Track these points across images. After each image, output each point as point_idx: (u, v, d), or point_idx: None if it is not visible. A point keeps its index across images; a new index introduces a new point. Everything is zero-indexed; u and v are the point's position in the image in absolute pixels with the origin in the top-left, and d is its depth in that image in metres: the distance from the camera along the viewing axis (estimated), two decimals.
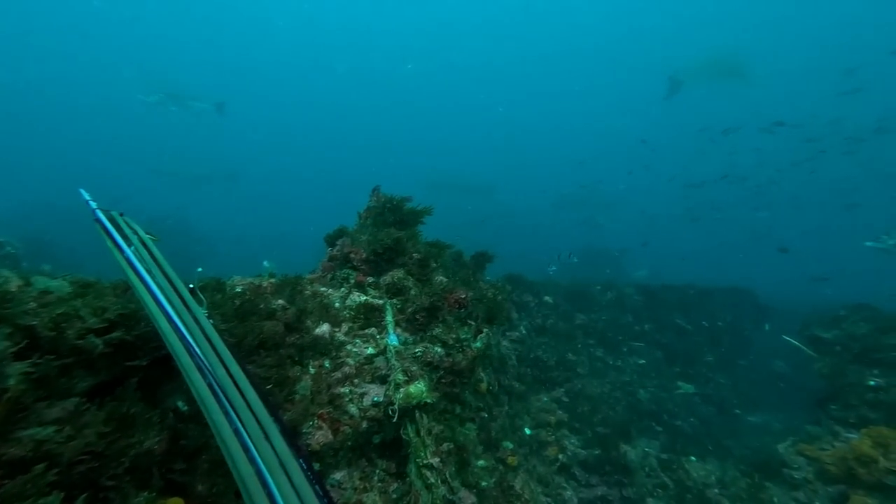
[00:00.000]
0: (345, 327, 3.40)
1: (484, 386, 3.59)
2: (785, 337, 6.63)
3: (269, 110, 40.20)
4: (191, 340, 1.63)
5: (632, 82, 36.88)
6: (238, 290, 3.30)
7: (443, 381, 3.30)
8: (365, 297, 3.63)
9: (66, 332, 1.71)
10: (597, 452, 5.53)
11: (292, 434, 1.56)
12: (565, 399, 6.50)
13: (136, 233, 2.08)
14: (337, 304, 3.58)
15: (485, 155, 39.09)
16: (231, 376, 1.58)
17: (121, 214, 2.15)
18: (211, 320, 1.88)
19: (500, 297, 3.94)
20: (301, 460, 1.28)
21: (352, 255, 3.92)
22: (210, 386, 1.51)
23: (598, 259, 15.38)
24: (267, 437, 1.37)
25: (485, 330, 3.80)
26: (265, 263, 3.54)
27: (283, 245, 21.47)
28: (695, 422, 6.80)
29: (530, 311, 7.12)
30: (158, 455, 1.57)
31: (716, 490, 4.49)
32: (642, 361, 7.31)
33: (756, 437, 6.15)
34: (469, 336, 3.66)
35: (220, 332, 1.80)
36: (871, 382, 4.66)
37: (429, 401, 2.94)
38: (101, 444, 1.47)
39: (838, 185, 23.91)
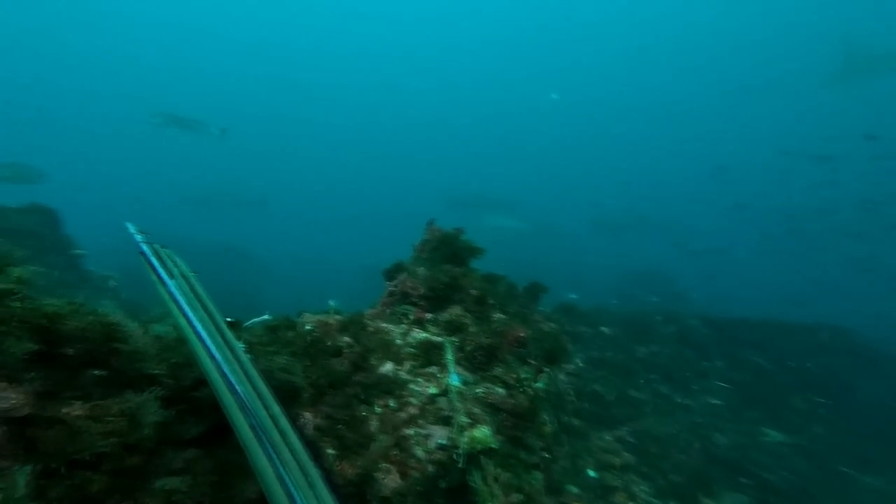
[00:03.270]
0: (407, 365, 3.47)
1: (548, 429, 3.45)
2: None
3: (280, 133, 40.71)
4: (232, 379, 1.59)
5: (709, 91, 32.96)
6: (308, 327, 3.51)
7: (506, 423, 3.22)
8: (425, 335, 3.69)
9: (183, 382, 1.89)
10: None
11: (333, 482, 1.51)
12: (630, 439, 6.00)
13: (177, 266, 2.06)
14: (398, 342, 3.67)
15: (510, 169, 37.31)
16: (272, 418, 1.55)
17: (163, 247, 2.14)
18: (249, 355, 1.86)
19: (560, 336, 3.81)
20: None
21: (410, 292, 4.03)
22: (252, 427, 1.47)
23: (652, 287, 14.24)
24: (310, 486, 1.35)
25: (546, 370, 3.68)
26: (331, 302, 3.72)
27: (329, 271, 21.88)
28: (788, 476, 5.90)
29: (585, 343, 6.77)
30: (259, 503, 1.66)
31: None
32: (717, 402, 6.57)
33: (873, 502, 5.17)
34: (530, 376, 3.56)
35: (259, 369, 1.77)
36: None
37: (494, 446, 2.87)
38: (211, 494, 1.58)
39: None
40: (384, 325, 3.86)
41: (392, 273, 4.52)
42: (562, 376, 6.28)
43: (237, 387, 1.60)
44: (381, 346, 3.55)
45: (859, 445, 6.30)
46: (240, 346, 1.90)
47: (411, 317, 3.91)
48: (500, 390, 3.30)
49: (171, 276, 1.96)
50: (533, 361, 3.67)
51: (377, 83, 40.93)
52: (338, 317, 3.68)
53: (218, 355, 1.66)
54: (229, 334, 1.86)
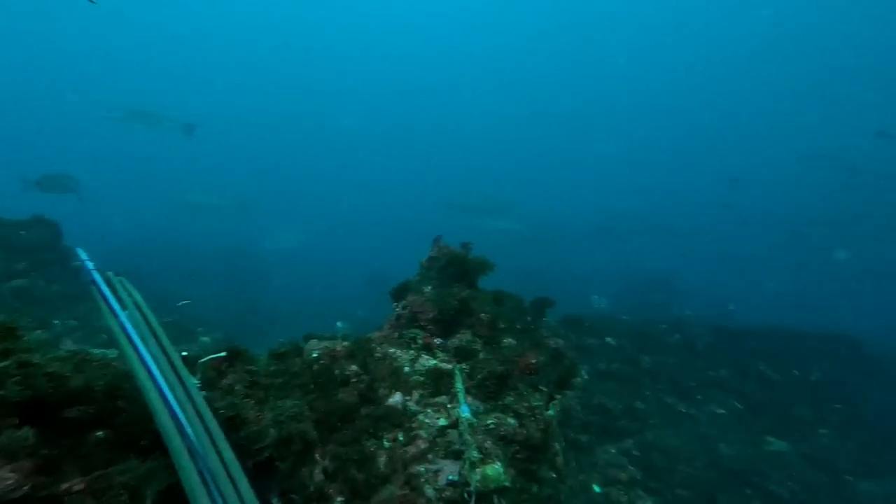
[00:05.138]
0: (416, 395, 3.40)
1: (560, 460, 3.39)
2: None
3: (270, 133, 39.11)
4: (182, 420, 1.50)
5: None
6: (314, 355, 3.43)
7: (517, 456, 3.16)
8: (434, 361, 3.62)
9: (241, 432, 1.82)
10: None
11: None
12: (636, 452, 5.99)
13: (130, 295, 1.95)
14: (406, 369, 3.59)
15: (509, 171, 36.11)
16: (224, 464, 1.47)
17: (117, 275, 2.05)
18: (204, 392, 1.76)
19: (573, 360, 3.75)
20: None
21: (419, 315, 3.95)
22: (200, 473, 1.39)
23: (653, 293, 14.13)
24: None
25: (557, 396, 3.62)
26: (339, 324, 3.65)
27: (323, 267, 21.11)
28: (793, 486, 5.91)
29: (592, 355, 6.73)
30: None
31: None
32: (721, 411, 6.57)
33: None
34: (541, 403, 3.50)
35: (213, 409, 1.67)
36: None
37: (507, 484, 2.81)
38: None
39: None
40: (392, 350, 3.77)
41: (399, 293, 4.43)
42: (568, 392, 6.25)
43: (187, 429, 1.50)
44: (390, 374, 3.48)
45: (862, 452, 6.33)
46: (194, 382, 1.78)
47: (420, 341, 3.83)
48: (512, 421, 3.24)
49: (124, 306, 1.86)
50: (544, 388, 3.60)
51: (375, 82, 40.41)
52: (345, 343, 3.59)
53: (169, 394, 1.56)
54: (184, 371, 1.75)
